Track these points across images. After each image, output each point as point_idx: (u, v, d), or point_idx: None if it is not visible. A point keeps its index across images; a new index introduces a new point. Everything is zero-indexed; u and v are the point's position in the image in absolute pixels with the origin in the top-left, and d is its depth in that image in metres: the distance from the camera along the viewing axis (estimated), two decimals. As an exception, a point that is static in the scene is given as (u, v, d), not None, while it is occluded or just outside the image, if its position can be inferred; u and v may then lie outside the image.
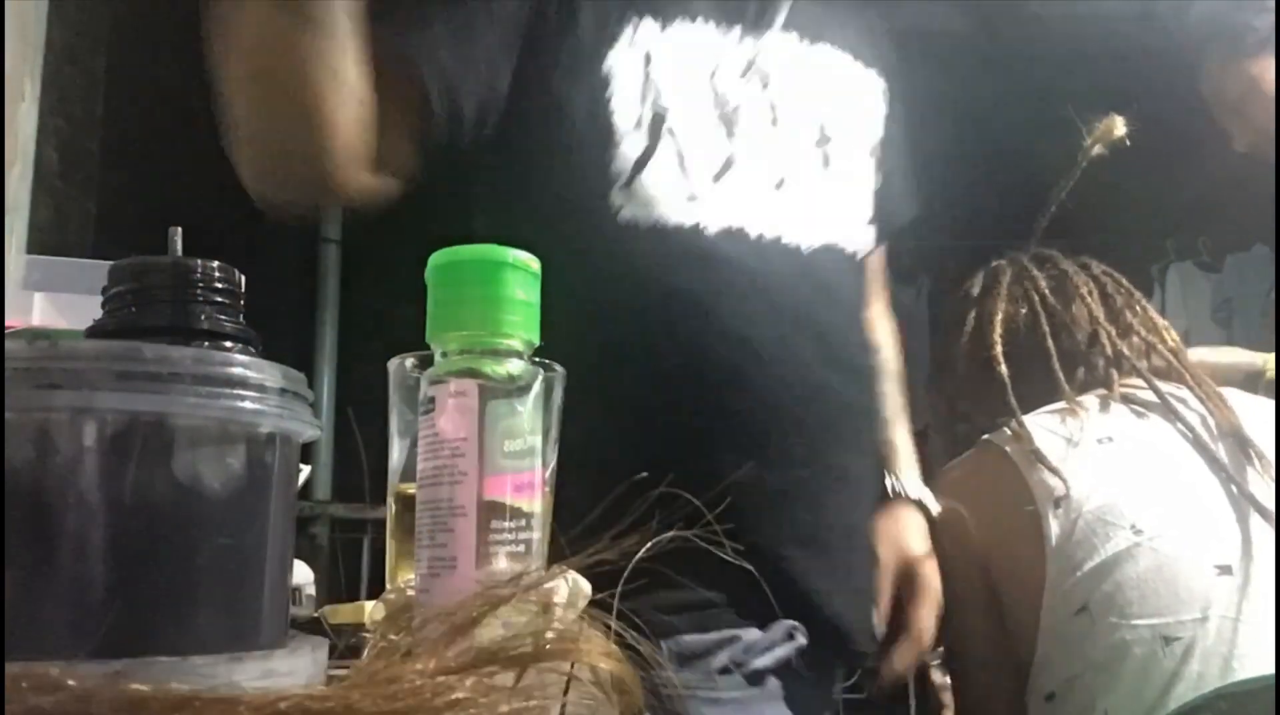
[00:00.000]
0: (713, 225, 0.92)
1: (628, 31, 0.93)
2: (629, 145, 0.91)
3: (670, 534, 0.48)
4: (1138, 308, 1.23)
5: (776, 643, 0.90)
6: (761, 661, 0.89)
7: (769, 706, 0.90)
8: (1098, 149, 1.25)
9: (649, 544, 0.46)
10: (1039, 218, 1.33)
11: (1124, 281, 1.26)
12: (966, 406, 1.25)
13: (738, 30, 0.98)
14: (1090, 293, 1.22)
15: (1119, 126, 1.24)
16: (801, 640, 0.91)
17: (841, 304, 1.00)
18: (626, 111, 0.91)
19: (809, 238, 0.96)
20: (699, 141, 0.93)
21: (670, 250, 0.91)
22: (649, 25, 0.94)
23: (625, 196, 0.91)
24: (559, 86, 0.92)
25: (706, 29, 0.96)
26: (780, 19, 0.99)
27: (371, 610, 0.63)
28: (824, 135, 1.00)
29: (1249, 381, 1.28)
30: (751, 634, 0.89)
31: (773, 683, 0.90)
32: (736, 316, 0.90)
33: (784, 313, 0.92)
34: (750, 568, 0.55)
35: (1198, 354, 1.30)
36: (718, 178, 0.93)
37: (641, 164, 0.91)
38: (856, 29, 1.07)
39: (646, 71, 0.92)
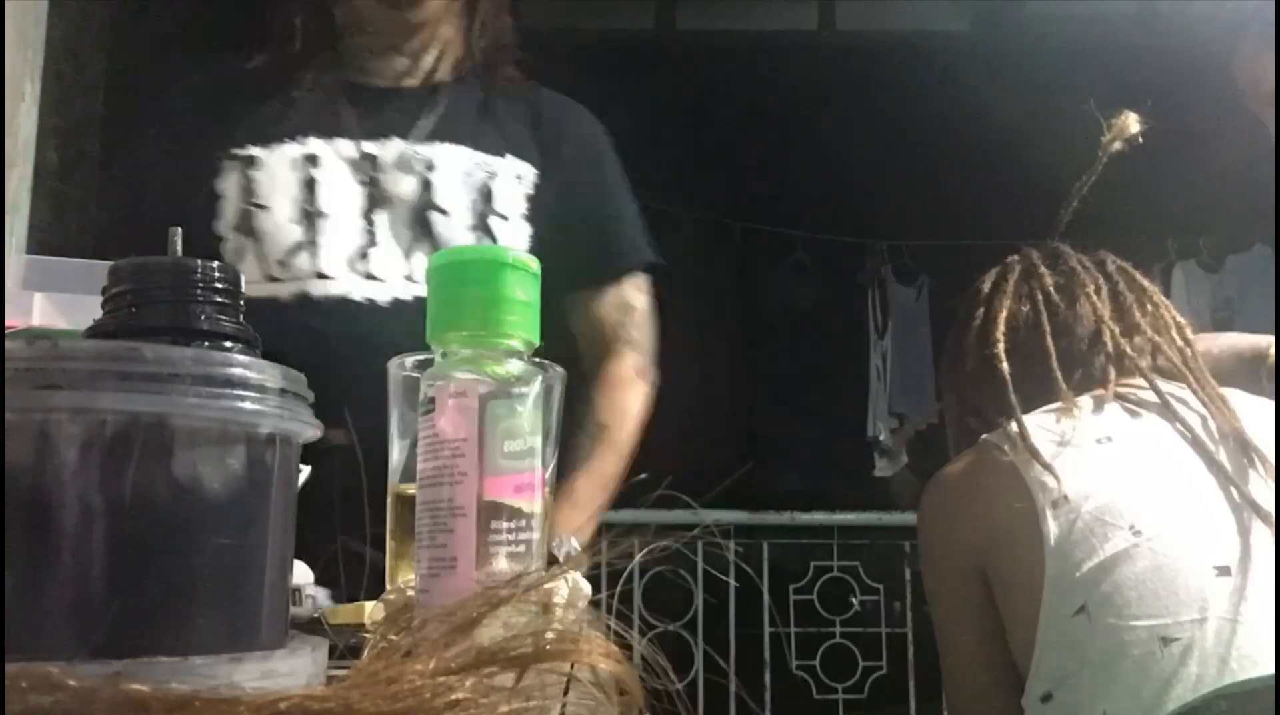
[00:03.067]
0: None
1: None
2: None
3: (667, 540, 0.48)
4: (1148, 306, 1.21)
5: None
6: None
7: None
8: (1117, 145, 1.24)
9: (646, 547, 0.46)
10: (1061, 212, 1.31)
11: (1139, 278, 1.24)
12: (977, 401, 1.25)
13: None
14: (1098, 291, 1.21)
15: (1133, 123, 1.24)
16: None
17: None
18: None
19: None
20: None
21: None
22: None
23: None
24: None
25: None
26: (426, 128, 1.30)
27: (371, 610, 0.63)
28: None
29: (1253, 364, 1.25)
30: None
31: None
32: None
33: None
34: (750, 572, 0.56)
35: (1202, 342, 1.27)
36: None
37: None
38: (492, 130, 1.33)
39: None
